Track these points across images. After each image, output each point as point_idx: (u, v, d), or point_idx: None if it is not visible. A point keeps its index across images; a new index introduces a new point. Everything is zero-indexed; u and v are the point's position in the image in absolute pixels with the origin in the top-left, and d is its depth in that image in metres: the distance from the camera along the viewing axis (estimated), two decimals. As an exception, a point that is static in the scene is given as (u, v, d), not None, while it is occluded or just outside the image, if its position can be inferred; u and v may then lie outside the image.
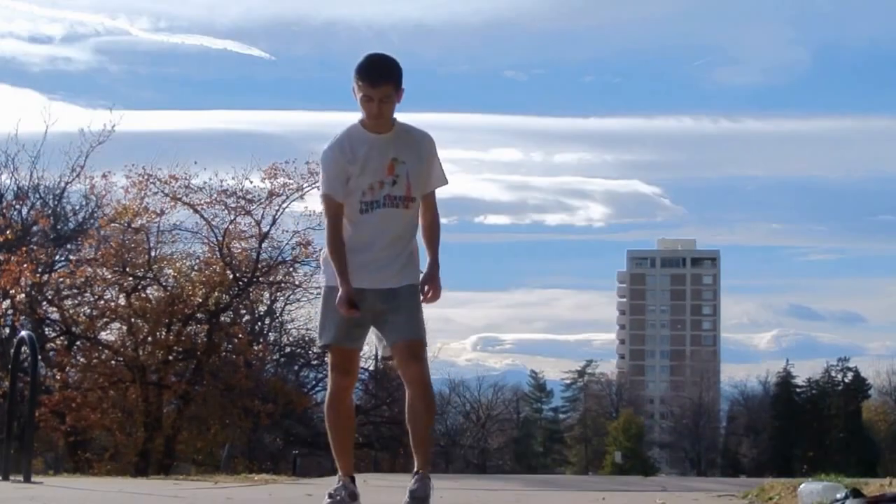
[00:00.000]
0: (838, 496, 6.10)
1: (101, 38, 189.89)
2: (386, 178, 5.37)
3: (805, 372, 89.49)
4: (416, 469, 5.45)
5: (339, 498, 5.54)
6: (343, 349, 5.54)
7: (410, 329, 5.43)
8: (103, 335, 26.48)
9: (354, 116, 5.51)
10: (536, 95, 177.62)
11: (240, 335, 27.09)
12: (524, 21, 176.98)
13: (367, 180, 5.36)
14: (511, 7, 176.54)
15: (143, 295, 25.93)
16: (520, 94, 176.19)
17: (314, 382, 39.27)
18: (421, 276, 5.55)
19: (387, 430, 42.40)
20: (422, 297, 5.48)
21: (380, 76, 5.28)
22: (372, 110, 5.31)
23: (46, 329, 26.30)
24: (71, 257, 27.05)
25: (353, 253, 5.39)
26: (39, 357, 11.73)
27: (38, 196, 28.37)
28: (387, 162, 5.37)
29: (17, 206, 27.62)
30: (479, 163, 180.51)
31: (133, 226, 25.38)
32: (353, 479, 5.65)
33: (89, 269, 25.41)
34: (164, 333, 25.32)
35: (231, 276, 25.87)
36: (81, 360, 26.03)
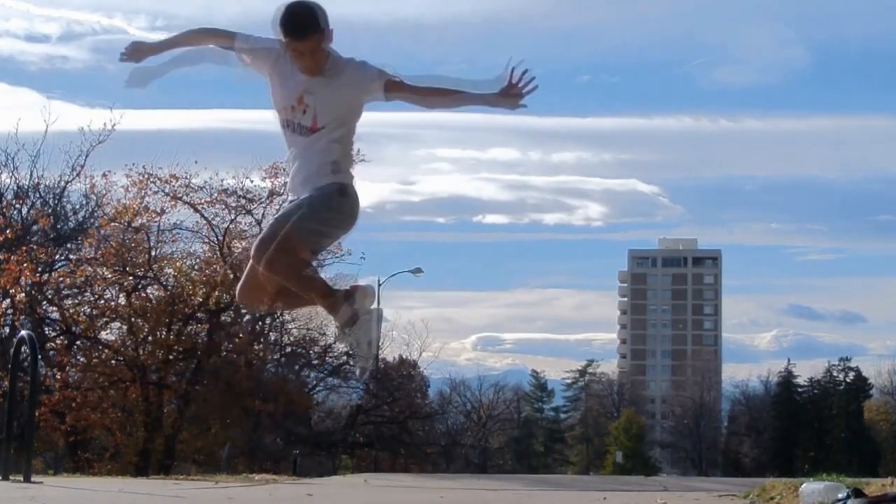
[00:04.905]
0: (840, 496, 6.08)
1: (98, 37, 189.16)
2: (297, 106, 5.02)
3: (806, 372, 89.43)
4: None
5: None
6: None
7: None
8: (103, 335, 26.49)
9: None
10: (534, 95, 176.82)
11: (240, 335, 27.09)
12: (522, 21, 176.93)
13: (280, 102, 5.06)
14: (509, 7, 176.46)
15: (144, 294, 25.93)
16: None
17: (315, 382, 39.29)
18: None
19: (387, 429, 42.39)
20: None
21: (305, 28, 4.91)
22: (306, 64, 4.95)
23: (46, 329, 26.26)
24: (71, 257, 26.99)
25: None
26: (39, 357, 11.70)
27: (38, 195, 28.27)
28: (298, 93, 5.00)
29: (17, 206, 27.53)
30: (477, 162, 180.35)
31: (133, 225, 25.37)
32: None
33: (89, 269, 25.41)
34: (164, 333, 25.31)
35: (231, 276, 25.84)
36: (81, 359, 26.02)
